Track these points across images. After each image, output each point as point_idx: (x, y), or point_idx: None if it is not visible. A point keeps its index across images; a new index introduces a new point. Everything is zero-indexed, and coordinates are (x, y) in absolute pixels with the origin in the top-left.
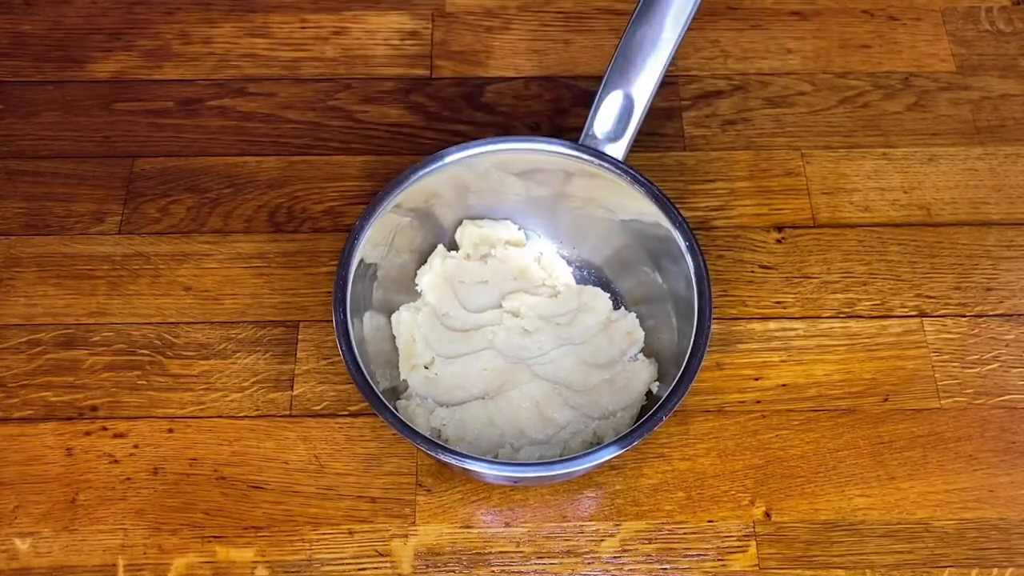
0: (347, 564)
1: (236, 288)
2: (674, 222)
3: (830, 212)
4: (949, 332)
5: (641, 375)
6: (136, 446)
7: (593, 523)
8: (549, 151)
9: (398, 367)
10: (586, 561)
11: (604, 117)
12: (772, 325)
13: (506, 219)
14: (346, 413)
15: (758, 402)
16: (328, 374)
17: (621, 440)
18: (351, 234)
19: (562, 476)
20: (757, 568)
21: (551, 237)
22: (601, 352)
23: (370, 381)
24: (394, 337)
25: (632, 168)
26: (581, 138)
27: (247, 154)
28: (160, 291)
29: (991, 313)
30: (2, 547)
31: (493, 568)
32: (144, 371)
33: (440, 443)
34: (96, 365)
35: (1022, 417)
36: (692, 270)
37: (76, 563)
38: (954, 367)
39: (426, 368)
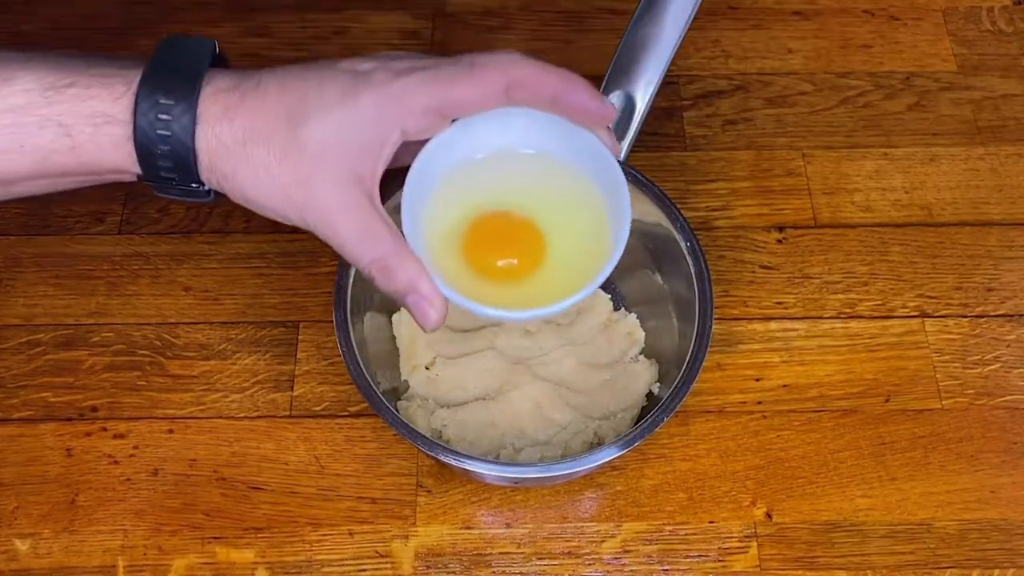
0: (347, 565)
1: (236, 288)
2: (675, 222)
3: (831, 212)
4: (950, 332)
5: (642, 376)
6: (136, 447)
7: (594, 524)
8: None
9: (399, 368)
10: (587, 562)
11: None
12: (773, 325)
13: None
14: (346, 414)
15: (759, 403)
16: (328, 375)
17: (622, 441)
18: None
19: (563, 477)
20: (758, 569)
21: None
22: (602, 353)
23: (370, 382)
24: (395, 338)
25: (633, 168)
26: None
27: None
28: (160, 291)
29: (992, 313)
30: (2, 548)
31: (494, 569)
32: (144, 372)
33: (441, 444)
34: (96, 365)
35: (1023, 417)
36: (693, 270)
37: (76, 564)
38: (955, 367)
39: (427, 369)
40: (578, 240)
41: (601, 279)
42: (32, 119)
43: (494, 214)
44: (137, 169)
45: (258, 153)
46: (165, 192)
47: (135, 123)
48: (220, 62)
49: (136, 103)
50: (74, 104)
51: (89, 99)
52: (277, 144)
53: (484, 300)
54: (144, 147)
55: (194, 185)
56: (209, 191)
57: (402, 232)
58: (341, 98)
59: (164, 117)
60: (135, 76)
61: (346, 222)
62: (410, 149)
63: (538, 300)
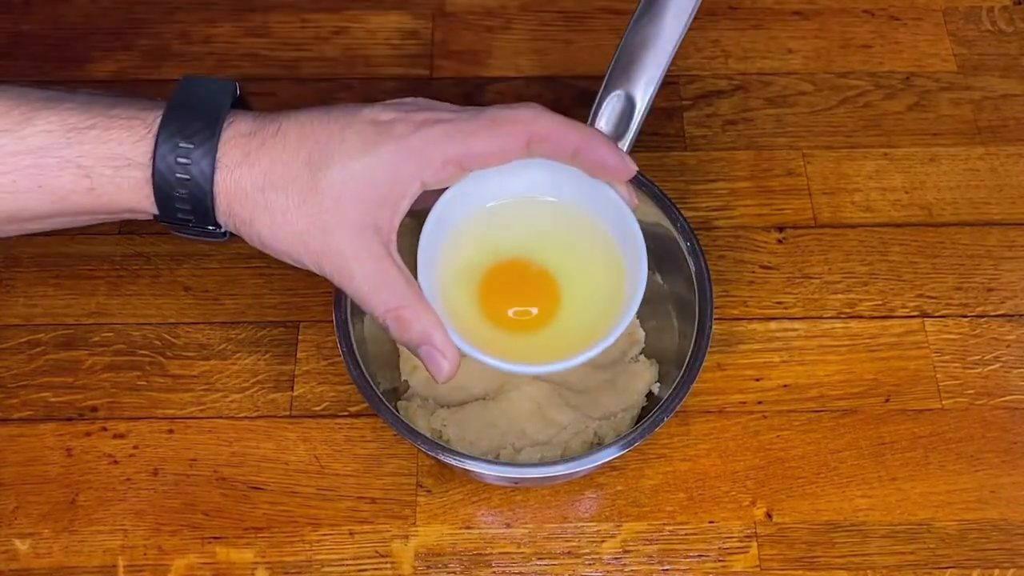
0: (347, 565)
1: (236, 288)
2: (675, 222)
3: (831, 212)
4: (950, 332)
5: (642, 376)
6: (136, 447)
7: (594, 524)
8: None
9: (399, 368)
10: (587, 562)
11: (605, 117)
12: (773, 325)
13: None
14: (346, 414)
15: (759, 403)
16: (328, 375)
17: (622, 441)
18: None
19: (563, 477)
20: (758, 569)
21: None
22: (602, 353)
23: (370, 382)
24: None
25: None
26: None
27: None
28: (160, 291)
29: (992, 313)
30: (2, 548)
31: (494, 569)
32: (144, 371)
33: (441, 444)
34: (96, 365)
35: (1023, 417)
36: (693, 270)
37: (76, 564)
38: (955, 367)
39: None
40: (594, 290)
41: (617, 334)
42: (52, 160)
43: (510, 262)
44: (154, 210)
45: (277, 199)
46: (180, 232)
47: (154, 166)
48: (241, 103)
49: (156, 146)
50: (94, 146)
51: (109, 141)
52: (296, 191)
53: (497, 351)
54: (162, 190)
55: (210, 227)
56: (225, 232)
57: (417, 279)
58: (362, 148)
59: (183, 161)
60: (155, 118)
61: (361, 270)
62: (427, 194)
63: (552, 352)
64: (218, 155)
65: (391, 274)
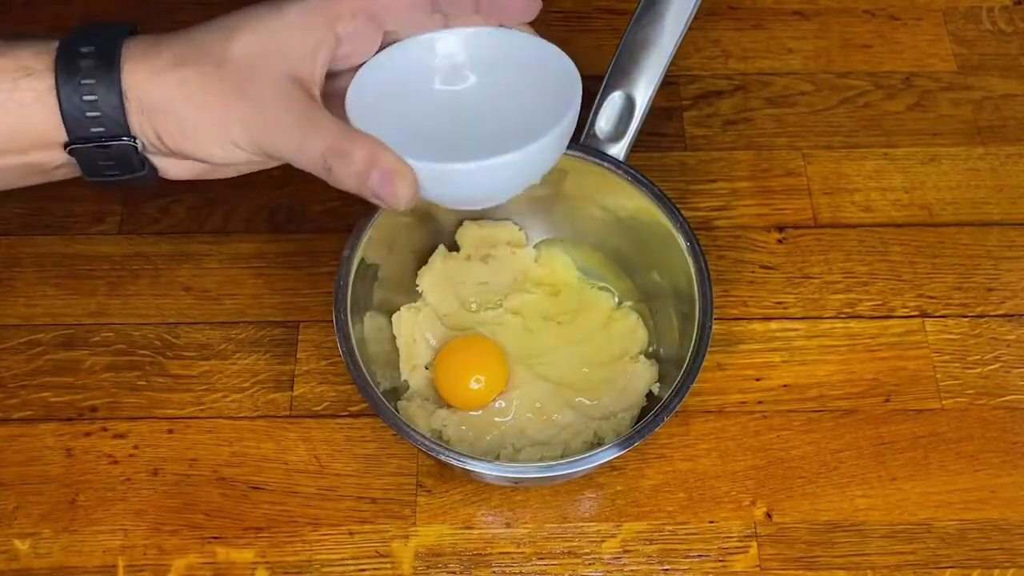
0: (347, 565)
1: (236, 288)
2: (675, 222)
3: (831, 212)
4: (950, 332)
5: (642, 375)
6: (136, 447)
7: (594, 524)
8: None
9: (399, 368)
10: (587, 562)
11: (605, 117)
12: (773, 325)
13: (506, 219)
14: (346, 414)
15: (759, 403)
16: (328, 374)
17: (622, 441)
18: (351, 234)
19: (563, 477)
20: (758, 569)
21: (552, 237)
22: (602, 352)
23: (370, 382)
24: (395, 337)
25: (633, 168)
26: (582, 138)
27: None
28: (160, 291)
29: (992, 313)
30: (2, 548)
31: (494, 569)
32: (144, 371)
33: (440, 444)
34: (96, 365)
35: (1023, 417)
36: (693, 270)
37: (76, 564)
38: (955, 367)
39: (427, 369)
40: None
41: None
42: None
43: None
44: (63, 134)
45: (189, 74)
46: (95, 172)
47: (56, 70)
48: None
49: (56, 59)
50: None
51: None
52: (211, 61)
53: (454, 158)
54: (67, 80)
55: (125, 139)
56: (144, 163)
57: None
58: (268, 13)
59: (87, 63)
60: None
61: (288, 116)
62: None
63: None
64: (123, 51)
65: (321, 117)
